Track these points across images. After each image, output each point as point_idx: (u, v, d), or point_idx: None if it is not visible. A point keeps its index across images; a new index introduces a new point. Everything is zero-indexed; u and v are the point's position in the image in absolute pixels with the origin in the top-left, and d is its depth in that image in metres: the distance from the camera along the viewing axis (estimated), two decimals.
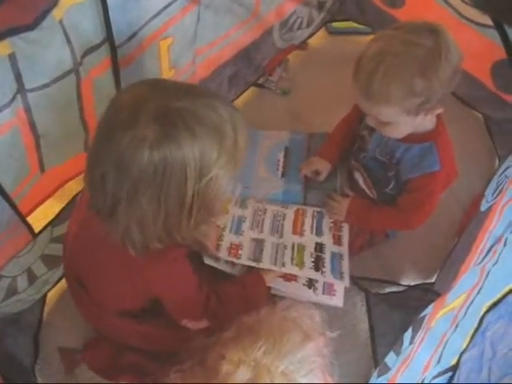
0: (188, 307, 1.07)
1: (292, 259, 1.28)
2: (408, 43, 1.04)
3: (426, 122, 1.18)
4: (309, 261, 1.28)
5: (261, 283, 1.20)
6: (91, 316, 1.16)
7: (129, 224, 0.83)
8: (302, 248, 1.31)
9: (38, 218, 1.16)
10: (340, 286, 1.28)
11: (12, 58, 0.81)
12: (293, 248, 1.31)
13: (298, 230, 1.36)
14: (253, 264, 1.24)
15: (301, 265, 1.27)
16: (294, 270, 1.26)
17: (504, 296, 0.67)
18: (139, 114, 0.77)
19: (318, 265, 1.28)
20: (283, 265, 1.26)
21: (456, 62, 1.05)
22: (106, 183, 0.80)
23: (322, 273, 1.27)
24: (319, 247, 1.33)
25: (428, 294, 1.32)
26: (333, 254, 1.32)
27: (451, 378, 0.68)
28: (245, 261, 1.25)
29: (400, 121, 1.13)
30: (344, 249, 1.34)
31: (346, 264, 1.31)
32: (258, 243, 1.30)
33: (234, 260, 1.25)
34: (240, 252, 1.27)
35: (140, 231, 0.84)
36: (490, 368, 0.58)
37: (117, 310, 1.09)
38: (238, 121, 0.84)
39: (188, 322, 1.08)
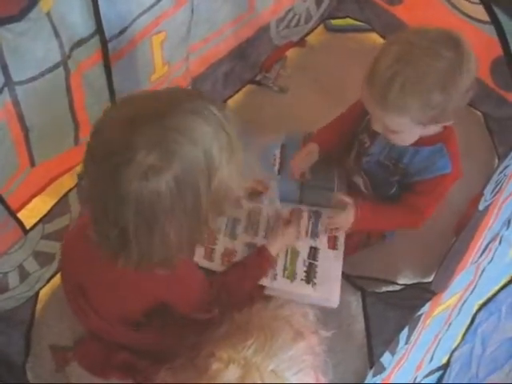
0: (198, 301, 1.07)
1: (284, 270, 1.27)
2: (429, 54, 0.99)
3: (436, 128, 1.14)
4: (301, 271, 1.28)
5: (263, 255, 1.22)
6: (89, 322, 1.13)
7: (150, 250, 0.81)
8: (295, 254, 1.30)
9: (31, 214, 1.15)
10: (336, 286, 1.26)
11: None
12: (286, 255, 1.30)
13: None
14: None
15: (292, 277, 1.27)
16: (286, 284, 1.25)
17: (495, 294, 0.66)
18: (134, 142, 0.72)
19: (309, 276, 1.27)
20: (275, 277, 1.25)
21: (474, 72, 1.02)
22: (109, 217, 0.77)
23: (313, 285, 1.26)
24: (313, 253, 1.31)
25: (425, 294, 1.30)
26: (326, 261, 1.30)
27: (441, 376, 0.66)
28: None
29: (409, 130, 1.09)
30: (339, 254, 1.31)
31: (338, 274, 1.29)
32: (252, 248, 1.29)
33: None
34: (234, 260, 1.27)
35: (164, 252, 0.82)
36: (478, 364, 0.57)
37: (118, 318, 1.08)
38: (225, 115, 0.82)
39: (198, 314, 1.09)
